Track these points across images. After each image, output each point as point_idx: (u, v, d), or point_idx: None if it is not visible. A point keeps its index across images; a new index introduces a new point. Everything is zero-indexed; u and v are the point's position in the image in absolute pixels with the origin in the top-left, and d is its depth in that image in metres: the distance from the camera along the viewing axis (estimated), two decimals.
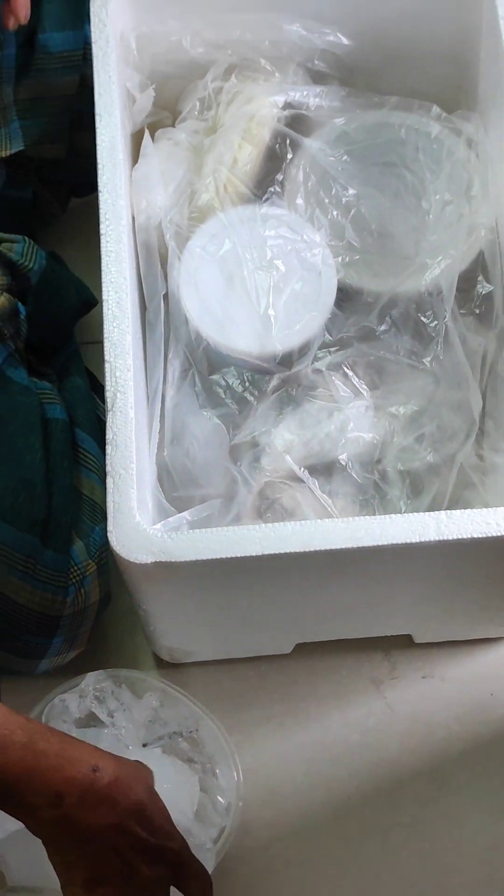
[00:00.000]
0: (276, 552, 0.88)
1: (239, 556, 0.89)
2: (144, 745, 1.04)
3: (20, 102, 1.18)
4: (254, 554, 0.88)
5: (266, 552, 0.88)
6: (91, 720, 1.06)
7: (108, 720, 1.05)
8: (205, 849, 0.98)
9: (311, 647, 1.13)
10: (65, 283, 1.22)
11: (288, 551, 0.88)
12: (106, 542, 1.07)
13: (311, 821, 1.09)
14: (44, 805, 0.78)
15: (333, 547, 0.88)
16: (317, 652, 1.13)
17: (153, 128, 1.16)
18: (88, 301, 1.24)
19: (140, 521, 0.90)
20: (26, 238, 1.18)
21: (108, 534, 0.90)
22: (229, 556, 0.89)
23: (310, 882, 1.06)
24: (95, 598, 1.07)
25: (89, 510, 1.09)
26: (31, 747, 0.78)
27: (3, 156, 1.18)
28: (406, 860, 1.07)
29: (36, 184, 1.24)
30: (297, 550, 0.88)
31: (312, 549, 0.88)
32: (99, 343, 1.28)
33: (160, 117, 1.19)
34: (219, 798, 1.03)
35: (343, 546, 0.88)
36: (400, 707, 1.13)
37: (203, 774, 1.03)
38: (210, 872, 0.89)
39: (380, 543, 0.89)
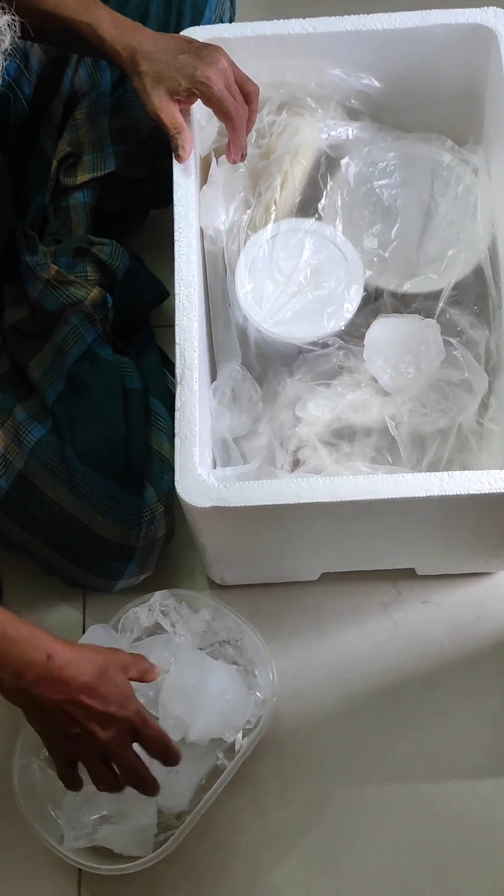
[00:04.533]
0: (309, 501, 0.88)
1: (278, 503, 0.88)
2: (200, 650, 1.04)
3: (113, 132, 1.16)
4: (290, 502, 0.88)
5: (300, 501, 0.88)
6: (157, 629, 1.06)
7: (171, 629, 1.05)
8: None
9: (333, 576, 1.12)
10: (144, 279, 1.20)
11: (318, 501, 0.88)
12: (172, 489, 1.07)
13: (330, 714, 1.08)
14: (8, 679, 0.81)
15: (356, 498, 0.88)
16: (338, 580, 1.12)
17: (218, 152, 1.13)
18: (162, 293, 1.23)
19: (201, 473, 0.89)
20: (114, 242, 1.17)
21: (175, 483, 0.90)
22: (270, 503, 0.88)
23: (327, 761, 1.06)
24: (162, 533, 1.06)
25: (159, 462, 1.08)
26: (1, 632, 0.81)
27: (99, 175, 1.16)
28: (404, 746, 1.06)
29: (123, 198, 1.22)
30: (326, 500, 0.88)
31: (339, 500, 0.88)
32: (169, 327, 1.27)
33: (223, 143, 1.16)
34: (257, 693, 1.03)
35: (363, 498, 0.88)
36: (403, 625, 1.12)
37: (245, 675, 1.03)
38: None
39: (393, 497, 0.88)
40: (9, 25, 0.87)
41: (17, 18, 0.87)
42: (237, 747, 1.00)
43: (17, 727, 1.00)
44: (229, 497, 0.88)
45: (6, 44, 0.87)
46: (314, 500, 0.87)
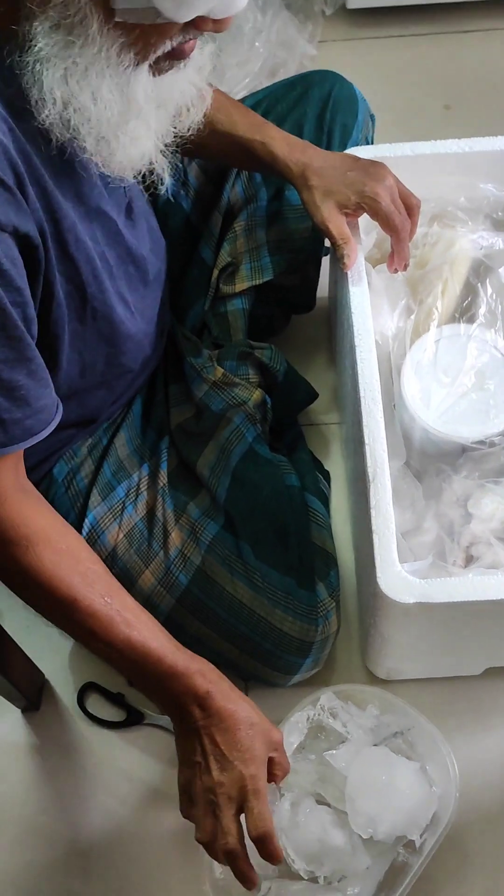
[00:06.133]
0: None
1: (482, 599, 0.90)
2: (375, 745, 1.04)
3: (270, 243, 1.21)
4: (495, 598, 0.90)
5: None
6: (319, 730, 1.06)
7: (342, 730, 1.05)
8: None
9: (495, 670, 1.13)
10: (298, 382, 1.25)
11: None
12: (338, 583, 1.10)
13: (501, 810, 1.08)
14: (174, 707, 0.88)
15: None
16: (499, 674, 1.13)
17: (373, 262, 1.18)
18: (312, 395, 1.27)
19: (402, 569, 0.91)
20: (272, 346, 1.21)
21: (377, 579, 0.91)
22: (474, 599, 0.90)
23: (501, 861, 1.05)
24: (335, 629, 1.08)
25: (322, 557, 1.10)
26: (189, 661, 0.88)
27: (257, 284, 1.21)
28: None
29: (273, 304, 1.27)
30: None
31: None
32: (312, 425, 1.32)
33: (373, 253, 1.22)
34: (434, 789, 1.02)
35: None
36: None
37: (422, 771, 1.03)
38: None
39: None
40: (211, 55, 0.89)
41: (215, 46, 0.91)
42: (417, 844, 1.00)
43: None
44: (433, 593, 0.90)
45: (207, 70, 0.90)
46: None
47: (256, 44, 1.48)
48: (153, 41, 0.74)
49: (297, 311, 1.34)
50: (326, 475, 1.27)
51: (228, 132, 1.10)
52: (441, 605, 0.90)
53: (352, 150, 1.15)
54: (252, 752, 0.86)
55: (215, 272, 1.22)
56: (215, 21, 0.75)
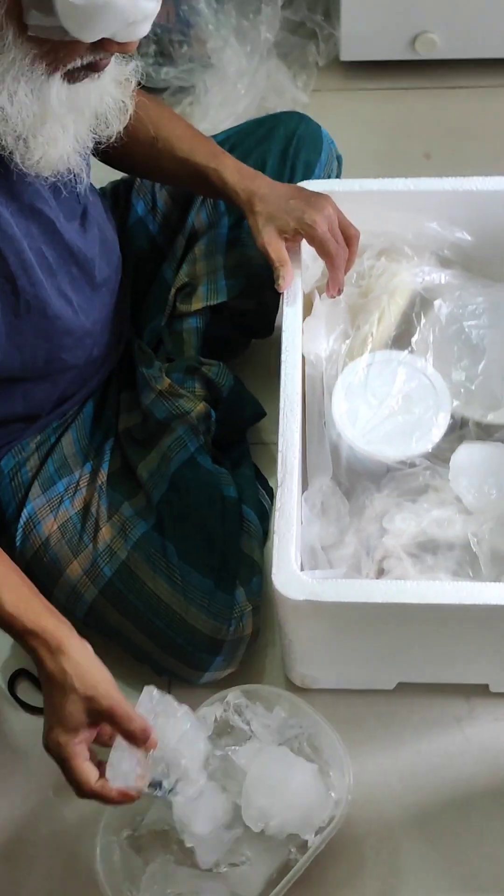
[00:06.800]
0: (396, 602, 0.93)
1: (368, 601, 0.94)
2: (280, 745, 1.07)
3: (227, 267, 1.28)
4: (379, 601, 0.93)
5: (388, 601, 0.93)
6: (226, 727, 1.09)
7: (245, 727, 1.08)
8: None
9: (408, 687, 1.15)
10: (245, 399, 1.30)
11: (405, 602, 0.93)
12: (260, 590, 1.15)
13: (401, 821, 1.10)
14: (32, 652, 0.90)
15: (441, 602, 0.93)
16: (413, 691, 1.16)
17: (320, 289, 1.24)
18: (259, 413, 1.32)
19: (296, 568, 0.96)
20: (220, 363, 1.27)
21: (272, 576, 0.95)
22: (361, 600, 0.94)
23: (396, 867, 1.07)
24: (249, 631, 1.12)
25: (249, 565, 1.15)
26: (32, 623, 0.90)
27: (212, 304, 1.27)
28: (473, 859, 1.07)
29: (229, 326, 1.33)
30: (412, 602, 0.93)
31: (424, 602, 0.93)
32: (262, 444, 1.37)
33: (324, 282, 1.27)
34: (331, 793, 1.05)
35: (448, 602, 0.93)
36: (475, 740, 1.14)
37: (322, 774, 1.06)
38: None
39: (476, 603, 0.92)
40: (135, 71, 0.97)
41: (140, 64, 0.98)
42: (310, 844, 1.02)
43: (101, 809, 1.04)
44: (322, 592, 0.94)
45: (131, 85, 0.97)
46: (402, 601, 0.93)
47: (238, 86, 1.56)
48: (62, 55, 0.82)
49: (256, 336, 1.40)
50: (270, 492, 1.31)
51: (187, 159, 1.17)
52: (329, 605, 0.94)
53: (303, 184, 1.21)
54: (63, 721, 0.88)
55: (172, 291, 1.28)
56: (120, 44, 0.83)
